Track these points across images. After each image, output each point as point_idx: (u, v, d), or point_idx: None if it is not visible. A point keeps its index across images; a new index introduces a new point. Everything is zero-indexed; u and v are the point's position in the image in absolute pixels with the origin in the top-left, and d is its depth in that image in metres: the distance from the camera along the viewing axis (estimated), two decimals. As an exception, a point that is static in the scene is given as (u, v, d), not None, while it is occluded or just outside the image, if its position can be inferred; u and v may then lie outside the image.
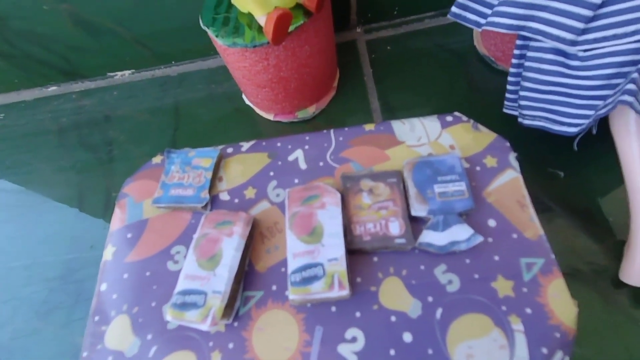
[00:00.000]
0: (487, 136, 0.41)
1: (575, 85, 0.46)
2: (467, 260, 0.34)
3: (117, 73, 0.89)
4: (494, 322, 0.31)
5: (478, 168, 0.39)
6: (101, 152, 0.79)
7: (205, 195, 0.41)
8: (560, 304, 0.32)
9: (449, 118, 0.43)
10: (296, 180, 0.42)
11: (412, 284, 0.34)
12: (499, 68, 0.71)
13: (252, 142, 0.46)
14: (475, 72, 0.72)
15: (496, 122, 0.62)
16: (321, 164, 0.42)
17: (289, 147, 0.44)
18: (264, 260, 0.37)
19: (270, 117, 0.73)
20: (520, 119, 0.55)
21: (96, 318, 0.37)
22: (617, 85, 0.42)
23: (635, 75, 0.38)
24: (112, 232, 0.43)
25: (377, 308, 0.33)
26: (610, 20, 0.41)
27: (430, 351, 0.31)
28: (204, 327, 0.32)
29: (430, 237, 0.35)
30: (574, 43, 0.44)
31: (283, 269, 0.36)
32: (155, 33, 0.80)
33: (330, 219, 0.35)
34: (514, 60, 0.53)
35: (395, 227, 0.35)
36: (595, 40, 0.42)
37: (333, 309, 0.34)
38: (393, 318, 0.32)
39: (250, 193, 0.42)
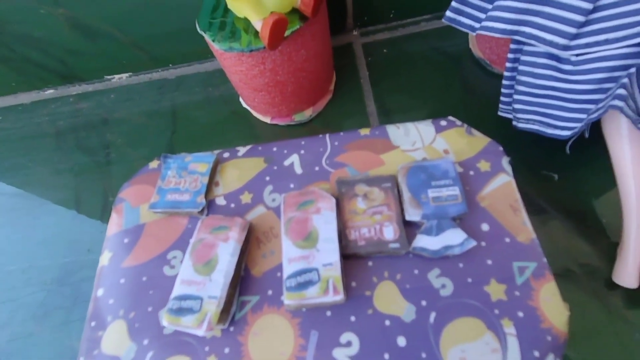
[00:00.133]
0: (480, 140, 0.42)
1: (568, 89, 0.47)
2: (461, 265, 0.35)
3: (114, 76, 0.89)
4: (487, 326, 0.32)
5: (472, 172, 0.40)
6: (99, 155, 0.79)
7: (201, 200, 0.41)
8: (552, 307, 0.32)
9: (443, 122, 0.44)
10: (292, 185, 0.42)
11: (407, 288, 0.34)
12: (494, 71, 0.71)
13: (248, 147, 0.46)
14: (470, 75, 0.73)
15: (491, 124, 0.62)
16: (317, 168, 0.42)
17: (285, 151, 0.44)
18: (259, 265, 0.38)
19: (267, 120, 0.74)
20: (514, 122, 0.55)
21: (93, 323, 0.37)
22: (608, 89, 0.43)
23: (625, 80, 0.39)
24: (108, 236, 0.43)
25: (372, 312, 0.33)
26: (601, 26, 0.42)
27: (423, 355, 0.31)
28: (200, 332, 0.32)
29: (424, 241, 0.35)
30: (566, 48, 0.44)
31: (279, 274, 0.37)
32: (153, 36, 0.80)
33: (325, 224, 0.36)
34: (508, 64, 0.53)
35: (390, 232, 0.36)
36: (587, 45, 0.43)
37: (328, 313, 0.34)
38: (387, 322, 0.33)
39: (246, 198, 0.42)
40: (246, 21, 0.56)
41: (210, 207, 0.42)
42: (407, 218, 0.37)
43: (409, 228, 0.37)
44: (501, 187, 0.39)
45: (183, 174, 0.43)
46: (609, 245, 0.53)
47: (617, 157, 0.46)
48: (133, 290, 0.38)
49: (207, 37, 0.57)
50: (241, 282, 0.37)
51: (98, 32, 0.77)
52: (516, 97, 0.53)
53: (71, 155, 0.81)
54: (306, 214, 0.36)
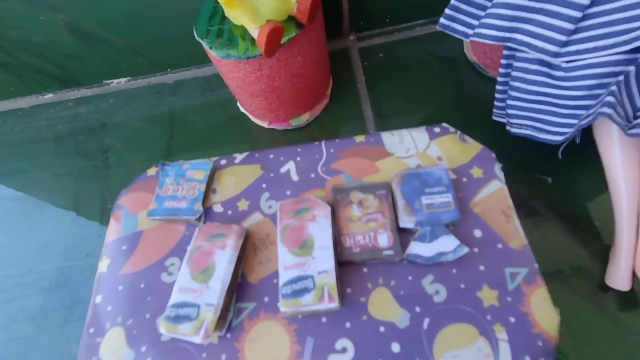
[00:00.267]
0: (473, 147, 0.42)
1: (559, 95, 0.47)
2: (454, 271, 0.35)
3: (113, 80, 0.90)
4: (479, 332, 0.32)
5: (465, 179, 0.40)
6: (97, 159, 0.80)
7: (198, 207, 0.42)
8: (543, 312, 0.33)
9: (437, 129, 0.44)
10: (288, 192, 0.42)
11: (401, 295, 0.35)
12: (488, 75, 0.72)
13: (245, 154, 0.47)
14: (465, 79, 0.74)
15: (486, 128, 0.63)
16: (312, 175, 0.43)
17: (281, 158, 0.45)
18: (256, 271, 0.38)
19: (264, 124, 0.74)
20: (508, 127, 0.56)
21: (91, 330, 0.38)
22: (599, 95, 0.43)
23: (614, 88, 0.39)
24: (107, 243, 0.44)
25: (367, 319, 0.34)
26: (591, 33, 0.42)
27: (417, 360, 0.32)
28: (197, 339, 0.33)
29: (417, 248, 0.36)
30: (557, 55, 0.45)
31: (275, 281, 0.37)
32: (151, 41, 0.80)
33: (320, 231, 0.36)
34: (501, 70, 0.54)
35: (384, 239, 0.36)
36: (577, 52, 0.44)
37: (324, 319, 0.34)
38: (382, 328, 0.33)
39: (243, 205, 0.43)
40: (243, 28, 0.56)
41: (207, 214, 0.43)
42: (401, 225, 0.37)
43: (403, 235, 0.38)
44: (494, 194, 0.39)
45: (181, 182, 0.44)
46: (602, 247, 0.53)
47: (608, 162, 0.47)
48: (131, 297, 0.39)
49: (205, 44, 0.58)
50: (238, 288, 0.37)
51: (97, 38, 0.78)
52: (509, 102, 0.54)
53: (70, 159, 0.81)
54: (302, 222, 0.37)
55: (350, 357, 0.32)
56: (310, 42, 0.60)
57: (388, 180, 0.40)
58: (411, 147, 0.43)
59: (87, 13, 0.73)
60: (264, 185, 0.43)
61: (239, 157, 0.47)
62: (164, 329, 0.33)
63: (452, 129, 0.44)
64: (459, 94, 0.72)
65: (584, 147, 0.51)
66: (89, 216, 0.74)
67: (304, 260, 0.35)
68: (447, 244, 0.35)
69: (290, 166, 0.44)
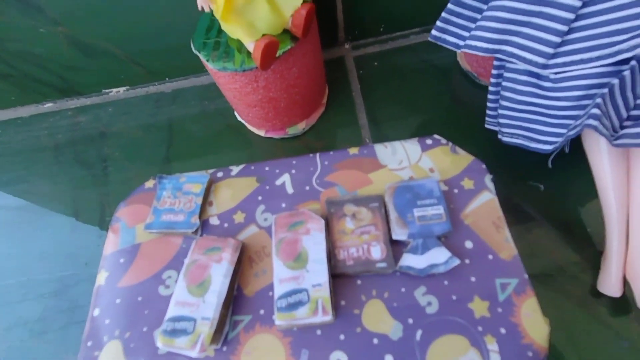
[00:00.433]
0: (464, 158, 0.43)
1: (548, 106, 0.48)
2: (446, 282, 0.36)
3: (112, 90, 0.91)
4: (471, 343, 0.33)
5: (456, 190, 0.41)
6: (96, 168, 0.81)
7: (195, 220, 0.43)
8: (533, 323, 0.33)
9: (429, 141, 0.45)
10: (283, 205, 0.43)
11: (394, 307, 0.35)
12: (481, 83, 0.73)
13: (241, 167, 0.48)
14: (458, 87, 0.75)
15: (479, 135, 0.64)
16: (307, 188, 0.44)
17: (277, 171, 0.46)
18: (252, 284, 0.39)
19: (261, 133, 0.75)
20: (500, 136, 0.57)
21: (89, 343, 0.38)
22: (586, 106, 0.44)
23: (599, 100, 0.40)
24: (105, 256, 0.44)
25: (360, 331, 0.35)
26: (577, 46, 0.44)
27: (409, 372, 0.32)
28: (193, 353, 0.33)
29: (410, 260, 0.36)
30: (545, 66, 0.46)
31: (270, 293, 0.38)
32: (149, 51, 0.81)
33: (314, 244, 0.37)
34: (492, 80, 0.55)
35: (377, 252, 0.37)
36: (565, 64, 0.45)
37: (318, 332, 0.35)
38: (375, 340, 0.34)
39: (239, 217, 0.43)
40: (239, 41, 0.57)
41: (204, 226, 0.44)
42: (394, 237, 0.38)
43: (395, 246, 0.38)
44: (484, 205, 0.40)
45: (178, 195, 0.45)
46: (593, 254, 0.54)
47: (597, 170, 0.48)
48: (128, 310, 0.39)
49: (202, 57, 0.59)
50: (234, 301, 0.38)
51: (96, 49, 0.79)
52: (500, 111, 0.55)
53: (69, 168, 0.82)
54: (296, 235, 0.38)
55: (344, 369, 0.33)
56: (305, 54, 0.61)
57: (381, 193, 0.41)
58: (404, 159, 0.44)
59: (87, 25, 0.74)
60: (259, 198, 0.44)
61: (235, 169, 0.48)
62: (161, 342, 0.34)
63: (443, 141, 0.45)
64: (452, 102, 0.73)
65: (575, 154, 0.52)
66: (88, 225, 0.74)
67: (299, 274, 0.36)
68: (438, 256, 0.36)
69: (285, 178, 0.45)
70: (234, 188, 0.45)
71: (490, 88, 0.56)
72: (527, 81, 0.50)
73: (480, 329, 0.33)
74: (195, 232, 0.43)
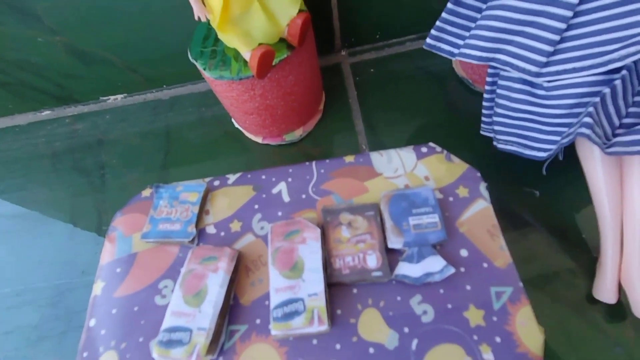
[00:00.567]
0: (459, 167, 0.44)
1: (542, 113, 0.49)
2: (441, 290, 0.36)
3: (109, 97, 0.91)
4: (466, 352, 0.33)
5: (451, 198, 0.42)
6: (94, 176, 0.81)
7: (192, 229, 0.43)
8: (528, 331, 0.33)
9: (424, 149, 0.46)
10: (280, 213, 0.43)
11: (390, 315, 0.36)
12: (476, 89, 0.74)
13: (238, 175, 0.48)
14: (454, 93, 0.75)
15: (474, 141, 0.65)
16: (303, 196, 0.44)
17: (273, 179, 0.46)
18: (248, 293, 0.39)
19: (258, 140, 0.75)
20: (495, 143, 0.57)
21: (85, 354, 0.38)
22: (579, 114, 0.45)
23: (591, 109, 0.41)
24: (101, 265, 0.44)
25: (356, 340, 0.35)
26: (569, 55, 0.44)
27: (405, 382, 0.32)
28: (189, 364, 0.33)
29: (405, 269, 0.37)
30: (538, 75, 0.47)
31: (267, 302, 0.38)
32: (147, 59, 0.82)
33: (310, 254, 0.37)
34: (487, 87, 0.56)
35: (373, 260, 0.37)
36: (557, 73, 0.45)
37: (314, 341, 0.35)
38: (371, 350, 0.34)
39: (235, 226, 0.43)
40: (236, 50, 0.58)
41: (200, 235, 0.44)
42: (390, 246, 0.38)
43: (391, 255, 0.38)
44: (479, 213, 0.40)
45: (174, 204, 0.45)
46: (589, 260, 0.54)
47: (591, 178, 0.48)
48: (124, 321, 0.39)
49: (199, 66, 0.59)
50: (230, 311, 0.38)
51: (94, 57, 0.79)
52: (495, 119, 0.56)
53: (67, 176, 0.82)
54: (292, 244, 0.38)
55: (341, 379, 0.33)
56: (302, 62, 0.61)
57: (376, 201, 0.41)
58: (399, 167, 0.44)
59: (84, 34, 0.74)
60: (256, 207, 0.44)
61: (231, 177, 0.48)
62: (157, 353, 0.34)
63: (438, 149, 0.46)
64: (448, 108, 0.74)
65: (571, 160, 0.52)
66: (86, 233, 0.74)
67: (295, 283, 0.36)
68: (434, 265, 0.36)
69: (281, 187, 0.45)
70: (231, 197, 0.46)
71: (485, 95, 0.57)
72: (521, 89, 0.50)
73: (475, 337, 0.34)
74: (192, 241, 0.43)
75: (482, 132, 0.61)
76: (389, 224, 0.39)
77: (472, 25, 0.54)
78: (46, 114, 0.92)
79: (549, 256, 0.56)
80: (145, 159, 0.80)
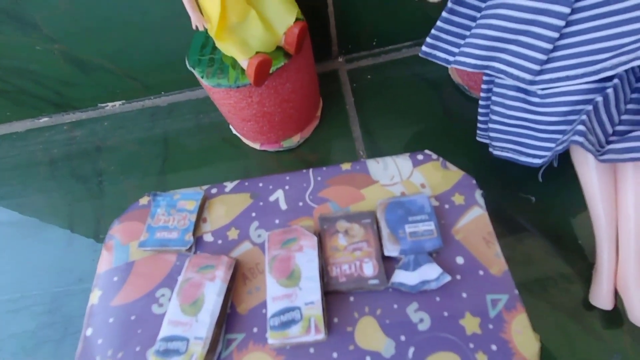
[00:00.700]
0: (454, 174, 0.44)
1: (536, 120, 0.50)
2: (437, 298, 0.36)
3: (107, 104, 0.91)
4: (462, 360, 0.33)
5: (447, 206, 0.42)
6: (92, 183, 0.81)
7: (189, 238, 0.43)
8: (523, 339, 0.34)
9: (420, 156, 0.46)
10: (277, 221, 0.43)
11: (386, 324, 0.36)
12: (472, 96, 0.75)
13: (235, 182, 0.48)
14: (450, 100, 0.76)
15: (471, 147, 0.65)
16: (300, 204, 0.44)
17: (270, 187, 0.46)
18: (245, 301, 0.39)
19: (256, 146, 0.76)
20: (490, 149, 0.58)
21: (82, 364, 0.38)
22: (573, 121, 0.45)
23: (584, 117, 0.42)
24: (99, 274, 0.44)
25: (353, 348, 0.35)
26: (562, 63, 0.45)
27: (402, 391, 0.32)
28: (186, 375, 0.33)
29: (402, 276, 0.37)
30: (532, 82, 0.47)
31: (264, 311, 0.38)
32: (145, 66, 0.82)
33: (307, 262, 0.37)
34: (482, 94, 0.57)
35: (369, 268, 0.37)
36: (551, 80, 0.46)
37: (311, 350, 0.35)
38: (368, 358, 0.34)
39: (233, 234, 0.44)
40: (233, 58, 0.58)
41: (198, 243, 0.44)
42: (386, 253, 0.38)
43: (388, 262, 0.39)
44: (475, 220, 0.41)
45: (172, 212, 0.45)
46: (585, 265, 0.55)
47: (586, 184, 0.49)
48: (121, 330, 0.39)
49: (197, 74, 0.60)
50: (227, 319, 0.38)
51: (92, 65, 0.80)
52: (491, 125, 0.56)
53: (64, 183, 0.82)
54: (289, 252, 0.38)
55: (338, 389, 0.33)
56: (299, 70, 0.62)
57: (373, 209, 0.42)
58: (395, 174, 0.45)
59: (83, 42, 0.75)
60: (253, 214, 0.45)
61: (229, 185, 0.48)
62: (154, 364, 0.34)
63: (434, 156, 0.46)
64: (444, 114, 0.75)
65: (566, 166, 0.53)
66: (83, 240, 0.74)
67: (292, 291, 0.36)
68: (430, 272, 0.36)
69: (279, 194, 0.45)
70: (228, 204, 0.46)
71: (481, 102, 0.57)
72: (516, 96, 0.51)
73: (471, 345, 0.34)
74: (189, 249, 0.43)
75: (478, 139, 0.61)
76: (385, 231, 0.39)
77: (467, 33, 0.54)
78: (44, 120, 0.92)
79: (546, 262, 0.56)
80: (143, 166, 0.80)
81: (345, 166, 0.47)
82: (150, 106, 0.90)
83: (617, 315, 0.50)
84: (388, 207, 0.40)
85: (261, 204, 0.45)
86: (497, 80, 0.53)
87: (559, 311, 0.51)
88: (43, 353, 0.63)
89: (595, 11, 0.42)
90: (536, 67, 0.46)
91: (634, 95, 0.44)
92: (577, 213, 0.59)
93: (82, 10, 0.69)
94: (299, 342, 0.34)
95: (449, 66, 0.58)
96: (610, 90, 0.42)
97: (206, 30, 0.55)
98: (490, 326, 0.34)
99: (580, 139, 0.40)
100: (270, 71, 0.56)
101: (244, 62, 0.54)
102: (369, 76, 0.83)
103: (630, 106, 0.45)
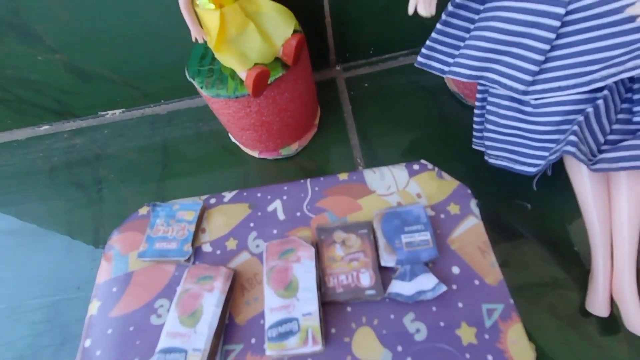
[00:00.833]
0: (450, 184, 0.45)
1: (530, 130, 0.50)
2: (434, 308, 0.37)
3: (108, 112, 0.92)
4: (459, 370, 0.33)
5: (442, 216, 0.42)
6: (91, 190, 0.81)
7: (188, 248, 0.43)
8: (519, 350, 0.34)
9: (416, 166, 0.47)
10: (275, 231, 0.44)
11: (383, 334, 0.36)
12: (467, 103, 0.76)
13: (234, 193, 0.49)
14: (446, 107, 0.77)
15: (467, 154, 0.66)
16: (298, 214, 0.45)
17: (269, 197, 0.47)
18: (243, 312, 0.39)
19: (255, 154, 0.77)
20: (486, 157, 0.59)
21: (80, 376, 0.38)
22: (566, 130, 0.46)
23: (576, 127, 0.42)
24: (98, 284, 0.44)
25: (351, 359, 0.35)
26: (554, 74, 0.46)
27: (399, 402, 0.32)
28: (184, 387, 0.33)
29: (398, 287, 0.37)
30: (525, 93, 0.48)
31: (262, 321, 0.38)
32: (145, 75, 0.83)
33: (305, 272, 0.37)
34: (477, 103, 0.57)
35: (366, 279, 0.38)
36: (543, 91, 0.47)
37: (309, 361, 0.35)
38: (365, 369, 0.34)
39: (231, 244, 0.44)
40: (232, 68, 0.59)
41: (196, 254, 0.44)
42: (383, 264, 0.39)
43: (384, 273, 0.39)
44: (470, 230, 0.41)
45: (171, 222, 0.45)
46: (581, 272, 0.55)
47: (579, 192, 0.49)
48: (120, 341, 0.39)
49: (196, 84, 0.61)
50: (225, 330, 0.38)
51: (93, 74, 0.81)
52: (486, 134, 0.57)
53: (64, 191, 0.82)
54: (287, 263, 0.38)
55: (335, 400, 0.33)
56: (297, 80, 0.63)
57: (370, 219, 0.42)
58: (392, 184, 0.45)
59: (84, 52, 0.76)
60: (251, 225, 0.45)
61: (227, 195, 0.48)
62: (152, 376, 0.34)
63: (430, 166, 0.47)
64: (441, 121, 0.76)
65: (562, 173, 0.53)
66: (82, 248, 0.74)
67: (289, 302, 0.36)
68: (426, 282, 0.37)
69: (277, 205, 0.46)
70: (227, 214, 0.46)
71: (476, 111, 0.58)
72: (510, 106, 0.52)
73: (467, 356, 0.34)
74: (188, 259, 0.43)
75: (473, 147, 0.62)
76: (381, 242, 0.40)
77: (461, 44, 0.55)
78: (45, 128, 0.93)
79: (542, 268, 0.56)
80: (143, 173, 0.81)
81: (343, 176, 0.47)
82: (150, 114, 0.90)
83: (613, 322, 0.50)
84: (384, 218, 0.41)
85: (259, 214, 0.46)
86: (491, 90, 0.54)
87: (556, 318, 0.52)
88: (41, 363, 0.63)
89: (585, 24, 0.43)
90: (528, 78, 0.47)
91: (624, 105, 0.45)
92: (573, 219, 0.60)
93: (83, 21, 0.70)
94: (297, 353, 0.34)
95: (443, 76, 0.59)
96: (600, 101, 0.43)
97: (206, 42, 0.56)
98: (486, 336, 0.35)
99: (572, 149, 0.41)
100: (269, 82, 0.57)
101: (242, 74, 0.55)
102: (366, 84, 0.84)
103: (620, 116, 0.45)
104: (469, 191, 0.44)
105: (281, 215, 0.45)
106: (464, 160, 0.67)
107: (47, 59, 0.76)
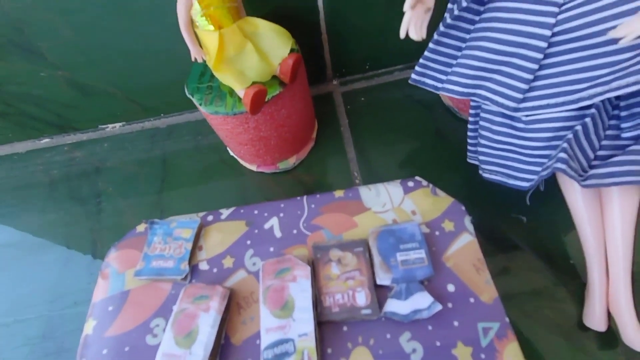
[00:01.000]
0: (444, 200, 0.45)
1: (522, 145, 0.51)
2: (430, 327, 0.37)
3: (108, 125, 0.93)
4: (455, 392, 0.33)
5: (437, 233, 0.43)
6: (90, 204, 0.81)
7: (184, 267, 0.43)
8: (515, 370, 0.34)
9: (410, 183, 0.47)
10: (271, 249, 0.44)
11: (380, 354, 0.36)
12: (462, 117, 0.77)
13: (231, 210, 0.49)
14: (441, 121, 0.79)
15: (462, 167, 0.67)
16: (295, 231, 0.45)
17: (265, 214, 0.47)
18: (239, 332, 0.39)
19: (253, 168, 0.77)
20: (480, 172, 0.59)
21: (75, 399, 0.37)
22: (557, 146, 0.47)
23: (565, 144, 0.43)
24: (94, 303, 0.44)
25: (346, 380, 0.35)
26: (543, 92, 0.47)
27: None
28: (179, 411, 0.33)
29: (394, 306, 0.37)
30: (516, 109, 0.50)
31: (258, 341, 0.38)
32: (145, 90, 0.85)
33: (301, 292, 0.38)
34: (470, 119, 0.59)
35: (362, 298, 0.38)
36: (533, 108, 0.48)
37: (305, 382, 0.35)
38: (361, 390, 0.34)
39: (228, 262, 0.44)
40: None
41: (193, 272, 0.44)
42: (378, 282, 0.39)
43: (380, 291, 0.39)
44: (465, 247, 0.42)
45: (168, 240, 0.46)
46: (578, 286, 0.55)
47: (573, 208, 0.50)
48: (116, 362, 0.39)
49: (195, 101, 0.62)
50: (221, 351, 0.38)
51: (94, 89, 0.82)
52: (480, 149, 0.58)
53: (63, 204, 0.82)
54: (283, 282, 0.39)
55: (331, 423, 0.33)
56: (294, 96, 0.64)
57: (365, 236, 0.43)
58: (387, 201, 0.46)
59: (86, 68, 0.77)
60: (248, 242, 0.45)
61: (225, 212, 0.49)
62: (147, 400, 0.34)
63: (424, 183, 0.47)
64: (436, 135, 0.77)
65: (557, 186, 0.54)
66: (80, 262, 0.74)
67: (285, 323, 0.36)
68: (421, 301, 0.37)
69: (273, 222, 0.46)
70: (224, 232, 0.47)
71: (469, 126, 0.59)
72: (502, 122, 0.53)
73: (464, 376, 0.34)
74: (185, 278, 0.43)
75: (468, 160, 0.63)
76: (377, 260, 0.40)
77: (453, 62, 0.57)
78: (45, 142, 0.94)
79: (538, 281, 0.56)
80: (142, 187, 0.81)
81: (339, 193, 0.48)
82: (150, 128, 0.92)
83: (611, 336, 0.50)
84: (380, 236, 0.41)
85: (256, 231, 0.46)
86: (483, 106, 0.55)
87: (554, 333, 0.52)
88: (35, 381, 0.62)
89: (571, 45, 0.44)
90: (519, 96, 0.49)
91: (612, 122, 0.46)
92: (569, 232, 0.60)
93: (85, 39, 0.72)
94: (293, 375, 0.34)
95: (437, 92, 0.60)
96: (588, 119, 0.44)
97: (205, 61, 0.58)
98: (482, 356, 0.35)
99: (563, 165, 0.42)
100: (266, 99, 0.58)
101: (240, 92, 0.56)
102: (362, 98, 0.86)
103: (609, 132, 0.46)
104: (463, 208, 0.45)
105: (278, 233, 0.45)
106: (459, 173, 0.68)
107: (49, 75, 0.77)
